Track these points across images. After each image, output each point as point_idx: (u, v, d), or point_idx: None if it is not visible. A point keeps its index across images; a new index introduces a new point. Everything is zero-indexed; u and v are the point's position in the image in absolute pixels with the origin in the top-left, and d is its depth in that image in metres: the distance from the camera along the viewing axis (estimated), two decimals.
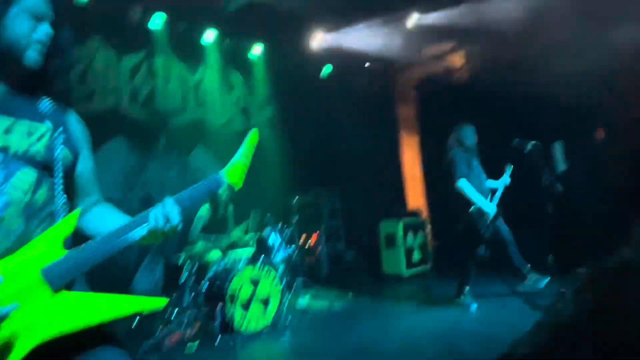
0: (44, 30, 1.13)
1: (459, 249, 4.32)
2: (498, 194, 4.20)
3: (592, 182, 5.17)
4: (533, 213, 4.21)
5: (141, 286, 4.88)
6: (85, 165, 1.29)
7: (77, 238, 1.15)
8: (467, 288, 4.11)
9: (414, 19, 6.09)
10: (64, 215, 1.12)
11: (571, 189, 4.49)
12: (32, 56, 1.11)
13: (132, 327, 4.10)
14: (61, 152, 1.15)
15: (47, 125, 1.14)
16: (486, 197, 4.11)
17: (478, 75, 7.25)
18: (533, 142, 4.16)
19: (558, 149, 5.23)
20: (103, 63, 5.10)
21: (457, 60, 7.77)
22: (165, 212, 1.13)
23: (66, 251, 1.04)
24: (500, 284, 4.78)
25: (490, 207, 4.00)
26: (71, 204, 1.24)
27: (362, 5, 5.71)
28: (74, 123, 1.28)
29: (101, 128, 4.81)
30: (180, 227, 1.17)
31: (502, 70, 6.55)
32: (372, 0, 5.65)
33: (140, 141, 5.36)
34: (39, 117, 1.15)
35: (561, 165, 4.98)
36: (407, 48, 7.19)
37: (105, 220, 1.26)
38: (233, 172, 1.26)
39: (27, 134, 1.10)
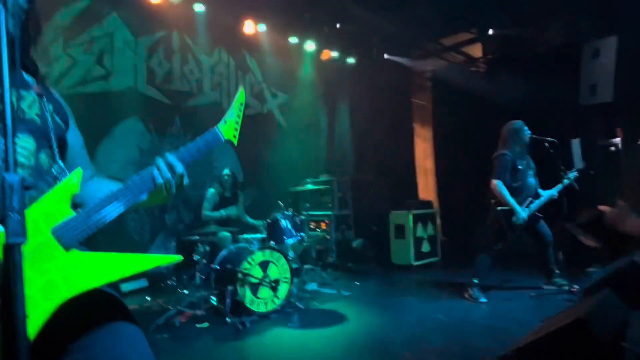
0: None
1: (471, 242, 4.29)
2: (540, 201, 4.06)
3: (608, 181, 5.11)
4: (551, 210, 4.19)
5: None
6: (75, 139, 1.27)
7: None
8: (476, 281, 4.12)
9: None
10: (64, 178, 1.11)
11: (588, 186, 4.44)
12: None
13: (144, 305, 4.19)
14: (53, 121, 1.14)
15: (33, 94, 1.13)
16: (531, 195, 4.05)
17: (495, 67, 7.14)
18: (550, 139, 4.11)
19: (576, 146, 5.15)
20: (120, 43, 5.11)
21: (474, 51, 7.65)
22: (168, 161, 1.12)
23: (73, 212, 1.03)
24: (513, 279, 4.79)
25: (523, 212, 3.92)
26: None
27: None
28: (58, 96, 1.26)
29: (118, 107, 4.85)
30: (186, 181, 1.15)
31: (519, 63, 6.46)
32: None
33: (156, 122, 5.39)
34: (25, 86, 1.13)
35: (578, 163, 4.92)
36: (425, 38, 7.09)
37: (106, 188, 1.24)
38: (228, 129, 1.29)
39: (18, 101, 1.08)
